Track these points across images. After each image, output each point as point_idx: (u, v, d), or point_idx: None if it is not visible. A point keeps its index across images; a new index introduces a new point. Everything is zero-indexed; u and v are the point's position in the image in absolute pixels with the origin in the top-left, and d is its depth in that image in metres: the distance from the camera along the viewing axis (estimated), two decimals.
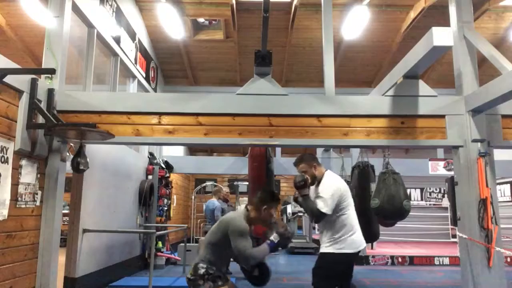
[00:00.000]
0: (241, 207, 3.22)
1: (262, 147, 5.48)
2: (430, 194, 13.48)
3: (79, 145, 4.01)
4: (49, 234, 3.90)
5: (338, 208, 3.19)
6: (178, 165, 9.69)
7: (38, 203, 3.85)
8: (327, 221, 3.22)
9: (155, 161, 8.50)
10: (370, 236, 5.18)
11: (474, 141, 4.04)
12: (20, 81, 3.58)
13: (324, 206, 3.14)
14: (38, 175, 3.86)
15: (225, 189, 7.84)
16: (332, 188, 3.20)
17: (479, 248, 3.85)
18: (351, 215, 3.26)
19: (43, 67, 4.28)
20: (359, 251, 3.25)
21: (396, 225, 5.14)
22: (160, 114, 4.24)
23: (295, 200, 3.49)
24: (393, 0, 7.98)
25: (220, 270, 2.98)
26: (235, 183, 11.82)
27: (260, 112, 4.26)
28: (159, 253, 7.92)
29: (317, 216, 3.19)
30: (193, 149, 14.46)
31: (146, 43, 8.57)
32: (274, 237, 2.95)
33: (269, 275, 3.15)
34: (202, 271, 2.89)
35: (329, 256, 3.18)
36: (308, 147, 4.88)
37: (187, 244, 8.12)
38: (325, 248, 3.22)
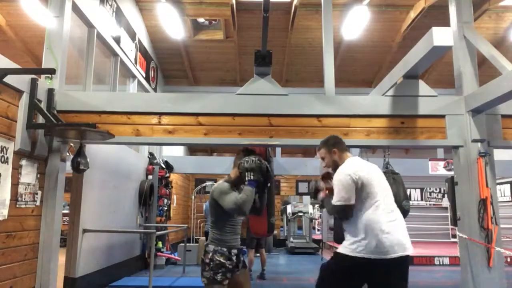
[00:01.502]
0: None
1: (262, 147, 5.48)
2: (430, 194, 13.47)
3: (79, 145, 4.02)
4: (49, 234, 3.90)
5: (358, 199, 2.64)
6: (178, 165, 9.69)
7: (38, 203, 3.85)
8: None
9: (155, 161, 8.50)
10: None
11: (474, 141, 4.04)
12: (20, 81, 3.58)
13: (334, 198, 2.68)
14: (38, 175, 3.86)
15: None
16: (340, 175, 2.69)
17: (479, 248, 3.85)
18: (375, 210, 2.61)
19: (43, 67, 4.28)
20: (389, 259, 2.51)
21: None
22: (160, 114, 4.24)
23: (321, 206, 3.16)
24: (393, 0, 7.98)
25: (231, 246, 2.87)
26: None
27: (260, 112, 4.26)
28: (159, 253, 7.92)
29: (337, 212, 2.71)
30: (193, 149, 14.45)
31: (146, 43, 8.57)
32: (247, 175, 2.86)
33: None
34: (209, 255, 2.82)
35: (341, 257, 2.63)
36: (308, 147, 4.85)
37: (187, 244, 8.13)
38: (341, 247, 2.68)
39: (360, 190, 2.64)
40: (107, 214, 5.92)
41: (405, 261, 2.60)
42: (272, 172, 6.13)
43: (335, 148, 2.92)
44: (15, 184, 3.50)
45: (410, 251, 2.59)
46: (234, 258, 2.87)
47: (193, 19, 8.65)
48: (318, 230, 15.08)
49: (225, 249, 2.84)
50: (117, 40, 6.56)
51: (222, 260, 2.80)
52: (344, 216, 2.69)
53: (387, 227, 2.56)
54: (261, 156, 3.27)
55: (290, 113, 4.25)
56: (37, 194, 3.83)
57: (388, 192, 2.77)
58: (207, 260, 2.82)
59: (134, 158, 7.55)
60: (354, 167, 2.72)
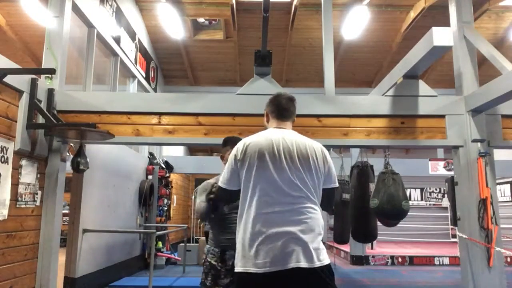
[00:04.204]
0: None
1: None
2: (430, 194, 13.47)
3: (79, 145, 4.02)
4: (49, 234, 3.90)
5: (244, 185, 1.85)
6: (178, 165, 9.68)
7: (38, 203, 3.85)
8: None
9: (155, 161, 8.49)
10: (368, 236, 5.18)
11: (474, 141, 4.05)
12: (20, 81, 3.59)
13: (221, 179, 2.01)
14: (38, 175, 3.86)
15: None
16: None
17: (479, 248, 3.85)
18: (256, 203, 1.78)
19: (43, 67, 4.28)
20: (273, 273, 1.67)
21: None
22: (160, 114, 4.25)
23: None
24: (393, 0, 7.97)
25: (224, 246, 2.53)
26: None
27: (260, 112, 4.19)
28: (159, 253, 7.91)
29: (219, 197, 2.11)
30: (193, 149, 14.45)
31: (146, 43, 8.56)
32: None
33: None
34: (204, 256, 2.62)
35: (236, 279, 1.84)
36: None
37: (187, 244, 8.12)
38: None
39: (242, 165, 1.84)
40: (107, 214, 5.91)
41: (305, 276, 1.68)
42: None
43: (267, 108, 2.15)
44: (15, 184, 3.50)
45: (311, 262, 1.69)
46: (229, 261, 2.46)
47: (193, 19, 8.65)
48: None
49: (217, 250, 2.55)
50: (117, 40, 6.56)
51: (213, 262, 2.54)
52: (226, 203, 2.00)
53: (268, 225, 1.73)
54: None
55: None
56: (37, 194, 3.83)
57: (302, 176, 1.82)
58: (203, 261, 2.63)
59: (134, 158, 7.54)
60: (250, 138, 1.93)
